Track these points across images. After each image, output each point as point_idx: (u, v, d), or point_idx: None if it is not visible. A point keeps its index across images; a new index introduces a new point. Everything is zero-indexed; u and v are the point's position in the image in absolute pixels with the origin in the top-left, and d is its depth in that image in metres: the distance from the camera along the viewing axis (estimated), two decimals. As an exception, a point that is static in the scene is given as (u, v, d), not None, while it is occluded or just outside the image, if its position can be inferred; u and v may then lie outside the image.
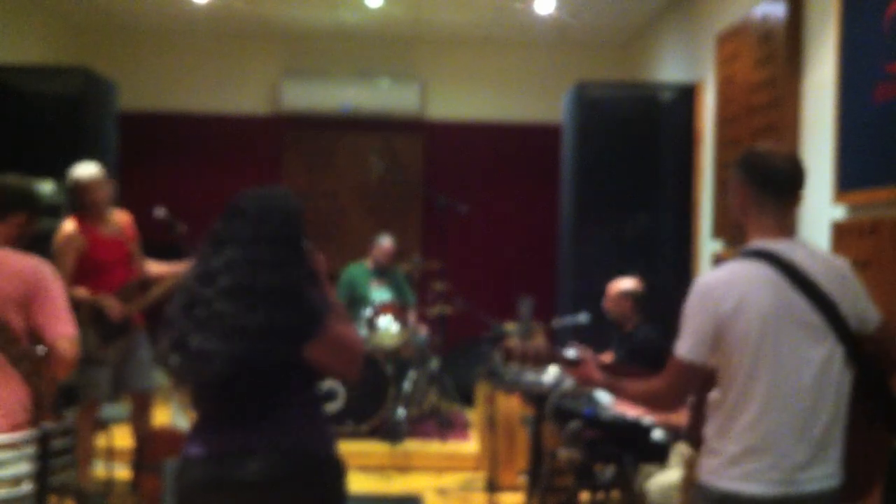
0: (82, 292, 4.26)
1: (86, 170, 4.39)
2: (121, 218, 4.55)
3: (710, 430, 2.26)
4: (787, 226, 2.28)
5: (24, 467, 2.78)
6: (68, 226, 4.35)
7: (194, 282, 2.29)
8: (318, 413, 2.41)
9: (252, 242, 2.28)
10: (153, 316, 4.71)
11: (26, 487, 2.78)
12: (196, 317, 2.24)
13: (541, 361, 2.65)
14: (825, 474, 2.17)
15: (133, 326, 4.48)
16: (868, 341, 2.26)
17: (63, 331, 2.92)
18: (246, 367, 2.21)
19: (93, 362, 4.32)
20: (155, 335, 4.72)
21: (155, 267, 4.63)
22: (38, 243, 5.20)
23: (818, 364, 2.15)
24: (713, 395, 2.27)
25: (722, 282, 2.22)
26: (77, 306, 4.27)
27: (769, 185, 2.25)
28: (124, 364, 4.49)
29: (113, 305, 4.32)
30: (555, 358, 2.61)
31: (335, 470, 2.35)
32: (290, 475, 2.24)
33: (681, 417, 3.44)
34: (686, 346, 2.22)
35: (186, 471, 2.30)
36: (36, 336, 2.92)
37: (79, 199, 4.39)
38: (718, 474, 2.20)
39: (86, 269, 4.31)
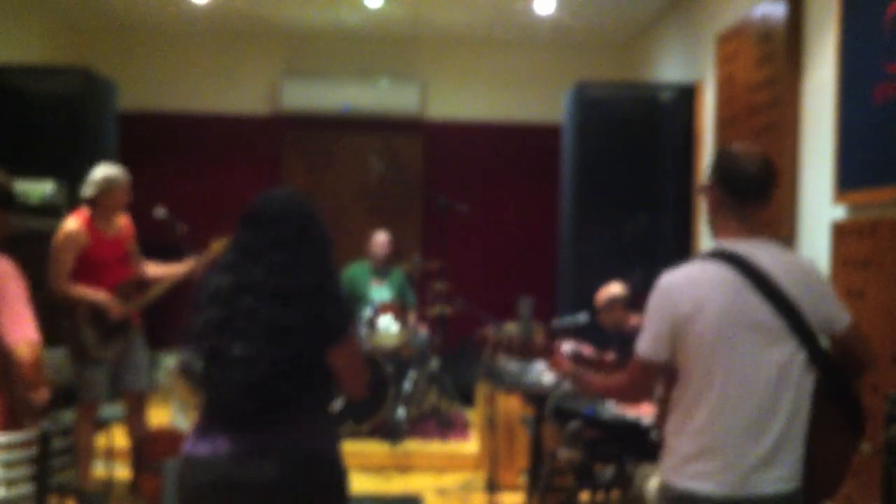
0: (83, 290, 4.30)
1: (114, 172, 4.41)
2: (120, 218, 4.55)
3: (668, 427, 2.27)
4: (753, 226, 2.26)
5: (23, 468, 2.78)
6: (72, 223, 4.35)
7: (231, 293, 2.30)
8: (328, 416, 2.44)
9: (288, 246, 2.33)
10: (149, 316, 4.74)
11: (26, 487, 2.77)
12: (237, 326, 2.26)
13: (513, 350, 2.68)
14: (781, 477, 2.16)
15: (131, 326, 4.49)
16: (837, 342, 2.25)
17: (23, 335, 2.79)
18: (283, 368, 2.25)
19: (90, 362, 4.33)
20: (152, 336, 4.74)
21: (153, 268, 4.64)
22: (36, 243, 5.24)
23: (776, 367, 2.14)
24: (674, 392, 2.27)
25: (681, 282, 2.22)
26: (76, 305, 4.31)
27: (736, 186, 2.25)
28: (121, 364, 4.49)
29: (113, 304, 4.34)
30: (528, 347, 2.64)
31: (341, 473, 2.39)
32: (301, 477, 2.27)
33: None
34: (645, 345, 2.25)
35: (195, 470, 2.30)
36: None
37: (98, 199, 4.38)
38: (676, 472, 2.22)
39: (85, 268, 4.33)
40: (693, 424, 2.18)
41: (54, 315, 5.24)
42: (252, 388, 2.25)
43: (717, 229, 2.29)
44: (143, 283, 4.56)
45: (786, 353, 2.15)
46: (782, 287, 2.15)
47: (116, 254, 4.47)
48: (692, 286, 2.19)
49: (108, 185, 4.38)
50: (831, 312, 2.23)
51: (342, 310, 2.38)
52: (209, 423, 2.34)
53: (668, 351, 2.22)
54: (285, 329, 2.25)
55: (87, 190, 4.38)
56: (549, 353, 2.60)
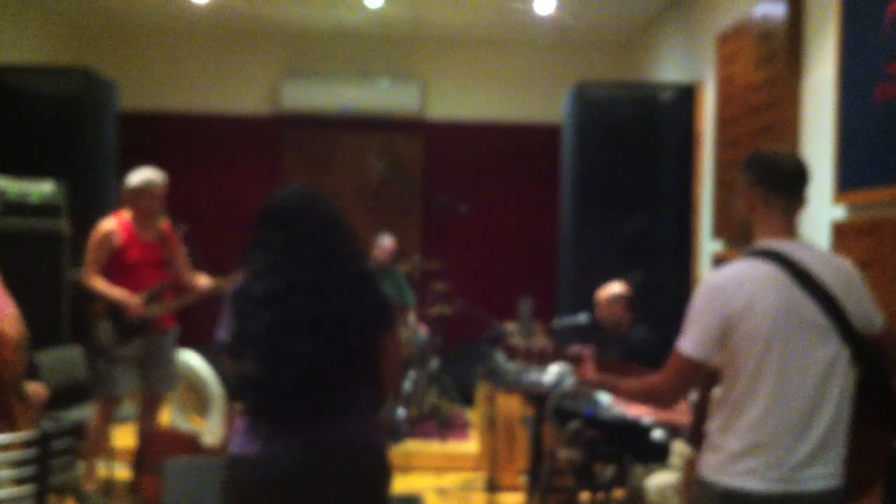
0: (104, 285, 4.35)
1: (150, 175, 4.48)
2: (163, 224, 4.62)
3: (712, 426, 2.28)
4: (793, 227, 2.30)
5: (24, 467, 2.78)
6: (109, 223, 4.44)
7: (281, 293, 2.31)
8: (376, 413, 2.48)
9: (325, 239, 2.38)
10: (185, 320, 4.73)
11: (26, 487, 2.77)
12: (295, 325, 2.28)
13: (545, 359, 2.67)
14: (827, 473, 2.18)
15: (158, 328, 4.51)
16: (872, 342, 2.27)
17: (2, 311, 2.83)
18: (346, 361, 2.31)
19: (107, 357, 4.36)
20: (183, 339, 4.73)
21: (200, 279, 4.64)
22: (36, 243, 5.25)
23: (823, 364, 2.17)
24: (717, 391, 2.28)
25: (731, 280, 2.23)
26: (94, 298, 4.35)
27: (777, 184, 2.27)
28: (149, 363, 4.52)
29: (131, 303, 4.35)
30: (558, 355, 2.63)
31: (390, 464, 2.46)
32: (361, 469, 2.34)
33: (681, 416, 3.45)
34: (691, 343, 2.23)
35: (253, 470, 2.32)
36: None
37: (133, 200, 4.46)
38: (721, 470, 2.22)
39: (117, 267, 4.40)
40: (743, 421, 2.19)
41: (59, 313, 5.30)
42: (315, 384, 2.29)
43: (758, 230, 2.30)
44: (177, 290, 4.58)
45: (832, 352, 2.18)
46: (828, 286, 2.19)
47: (150, 257, 4.51)
48: (742, 283, 2.20)
49: (143, 187, 4.45)
50: (870, 312, 2.27)
51: (385, 297, 2.45)
52: (261, 423, 2.35)
53: (714, 350, 2.22)
54: (344, 320, 2.30)
55: (125, 190, 4.47)
56: (577, 360, 2.58)
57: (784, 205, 2.28)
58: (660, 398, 2.41)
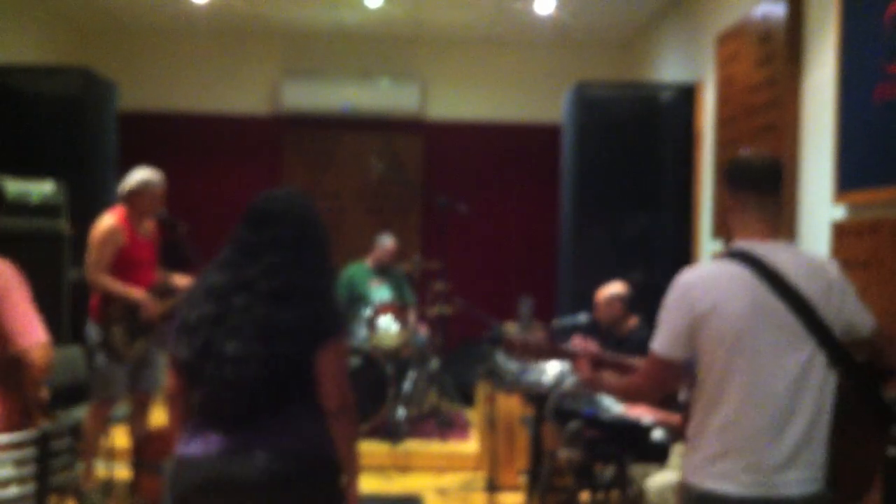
0: (121, 286, 4.33)
1: (150, 175, 4.48)
2: (150, 223, 4.62)
3: (690, 427, 2.28)
4: (771, 226, 2.27)
5: (24, 467, 2.78)
6: (110, 219, 4.39)
7: (226, 290, 2.32)
8: (321, 414, 2.41)
9: (289, 246, 2.36)
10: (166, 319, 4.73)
11: (26, 487, 2.77)
12: (230, 324, 2.28)
13: (542, 354, 2.68)
14: (805, 478, 2.15)
15: (155, 327, 4.51)
16: (860, 346, 2.24)
17: (35, 338, 2.77)
18: (275, 367, 2.27)
19: (113, 359, 4.35)
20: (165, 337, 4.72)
21: (177, 278, 4.64)
22: (36, 243, 5.24)
23: (797, 368, 2.14)
24: (694, 392, 2.29)
25: (700, 281, 2.23)
26: (110, 300, 4.33)
27: (746, 183, 2.28)
28: (142, 364, 4.52)
29: (149, 303, 4.36)
30: (555, 350, 2.64)
31: (333, 471, 2.39)
32: (292, 475, 2.28)
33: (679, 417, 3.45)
34: (661, 342, 2.25)
35: (187, 470, 2.31)
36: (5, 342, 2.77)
37: (132, 199, 4.44)
38: (697, 472, 2.21)
39: (121, 266, 4.37)
40: (714, 424, 2.18)
41: (59, 313, 5.29)
42: (243, 386, 2.27)
43: (736, 231, 2.30)
44: (169, 289, 4.58)
45: (806, 355, 2.14)
46: (799, 288, 2.16)
47: (148, 256, 4.52)
48: (709, 285, 2.20)
49: (143, 187, 4.45)
50: (855, 316, 2.23)
51: (335, 312, 2.40)
52: (201, 421, 2.35)
53: (684, 349, 2.23)
54: (278, 328, 2.27)
55: (123, 189, 4.45)
56: (573, 356, 2.59)
57: (757, 204, 2.26)
58: (639, 396, 2.48)
